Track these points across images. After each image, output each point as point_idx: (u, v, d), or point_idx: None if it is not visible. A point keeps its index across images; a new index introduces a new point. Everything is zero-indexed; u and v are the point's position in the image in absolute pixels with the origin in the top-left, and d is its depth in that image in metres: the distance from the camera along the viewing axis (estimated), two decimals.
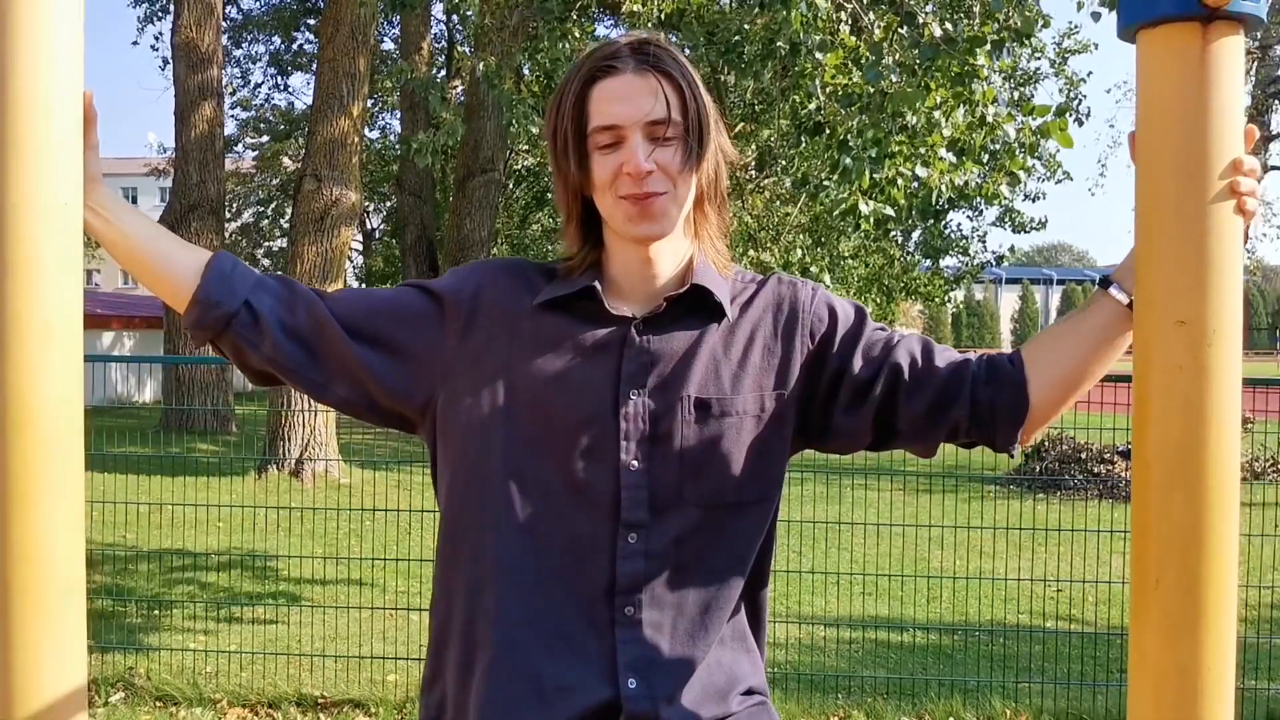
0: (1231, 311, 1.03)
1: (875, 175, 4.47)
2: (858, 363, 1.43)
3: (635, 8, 6.92)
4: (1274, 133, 21.04)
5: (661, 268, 1.42)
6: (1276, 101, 20.46)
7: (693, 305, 1.41)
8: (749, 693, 1.47)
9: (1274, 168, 21.72)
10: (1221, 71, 1.03)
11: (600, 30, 16.31)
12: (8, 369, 1.15)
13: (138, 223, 1.41)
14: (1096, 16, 6.62)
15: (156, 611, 5.73)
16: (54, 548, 1.19)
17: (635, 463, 1.37)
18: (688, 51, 7.18)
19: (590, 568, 1.37)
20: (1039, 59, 14.90)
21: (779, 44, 4.74)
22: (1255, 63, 20.17)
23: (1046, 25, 6.09)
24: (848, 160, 4.56)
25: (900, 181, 4.54)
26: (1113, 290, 1.32)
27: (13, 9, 1.14)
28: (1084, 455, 10.88)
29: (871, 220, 4.57)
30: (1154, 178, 1.06)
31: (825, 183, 5.52)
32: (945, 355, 1.43)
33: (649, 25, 7.05)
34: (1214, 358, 1.02)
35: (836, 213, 4.48)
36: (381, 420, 1.48)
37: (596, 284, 1.41)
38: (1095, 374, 1.37)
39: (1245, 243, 1.06)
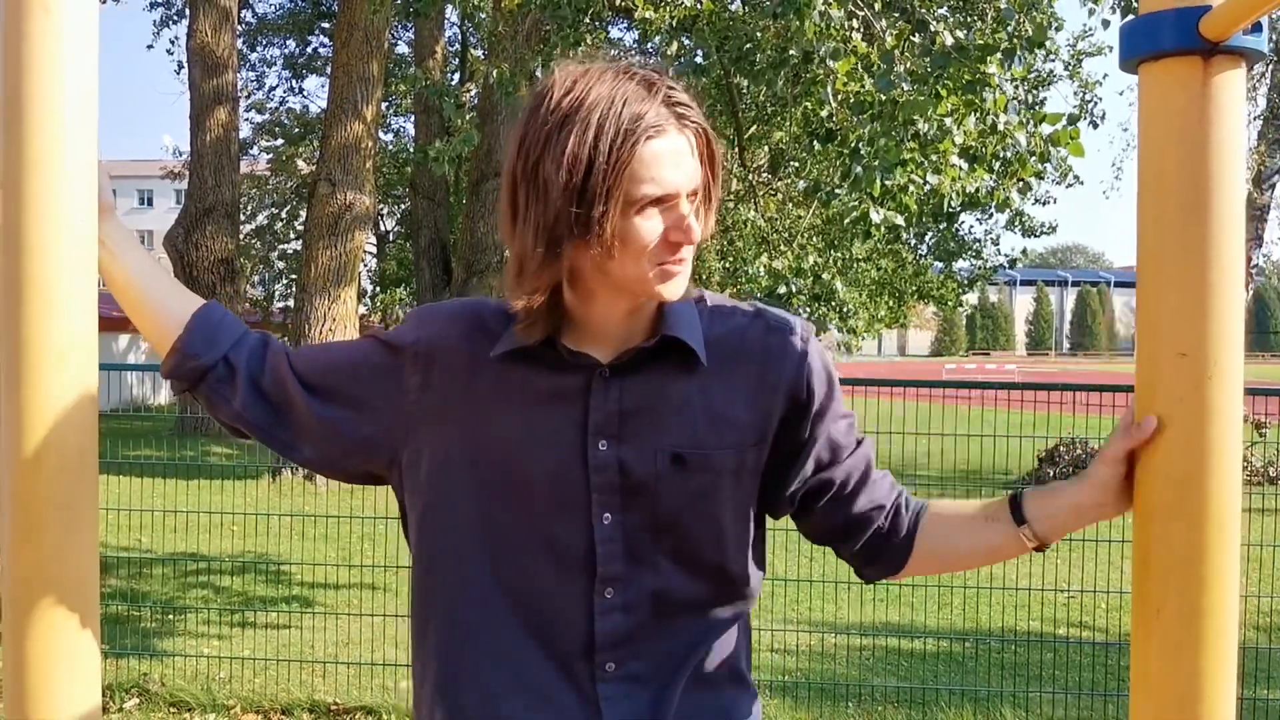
0: (1233, 344, 1.03)
1: (886, 183, 4.46)
2: (816, 451, 1.39)
3: (648, 14, 6.94)
4: None
5: (644, 312, 1.35)
6: None
7: (664, 353, 1.34)
8: None
9: None
10: (1223, 105, 1.03)
11: (614, 34, 16.35)
12: (25, 394, 1.17)
13: (141, 262, 1.42)
14: (1107, 24, 6.59)
15: (171, 616, 5.77)
16: (70, 569, 1.21)
17: (608, 515, 1.32)
18: (699, 57, 7.20)
19: (567, 624, 1.33)
20: (1053, 60, 14.87)
21: (791, 52, 4.75)
22: (1270, 65, 20.07)
23: (1060, 28, 6.09)
24: (858, 168, 4.56)
25: (912, 188, 4.53)
26: (1023, 529, 1.35)
27: (28, 40, 1.16)
28: None
29: (882, 228, 4.57)
30: (1156, 210, 1.06)
31: (837, 190, 5.52)
32: (872, 492, 1.42)
33: (662, 31, 7.06)
34: (1215, 390, 1.02)
35: (847, 220, 4.47)
36: (352, 479, 1.46)
37: (554, 334, 1.33)
38: (966, 568, 1.52)
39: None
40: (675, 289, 1.29)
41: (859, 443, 1.44)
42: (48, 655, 1.20)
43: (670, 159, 1.25)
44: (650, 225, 1.26)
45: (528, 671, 1.34)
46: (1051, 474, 10.85)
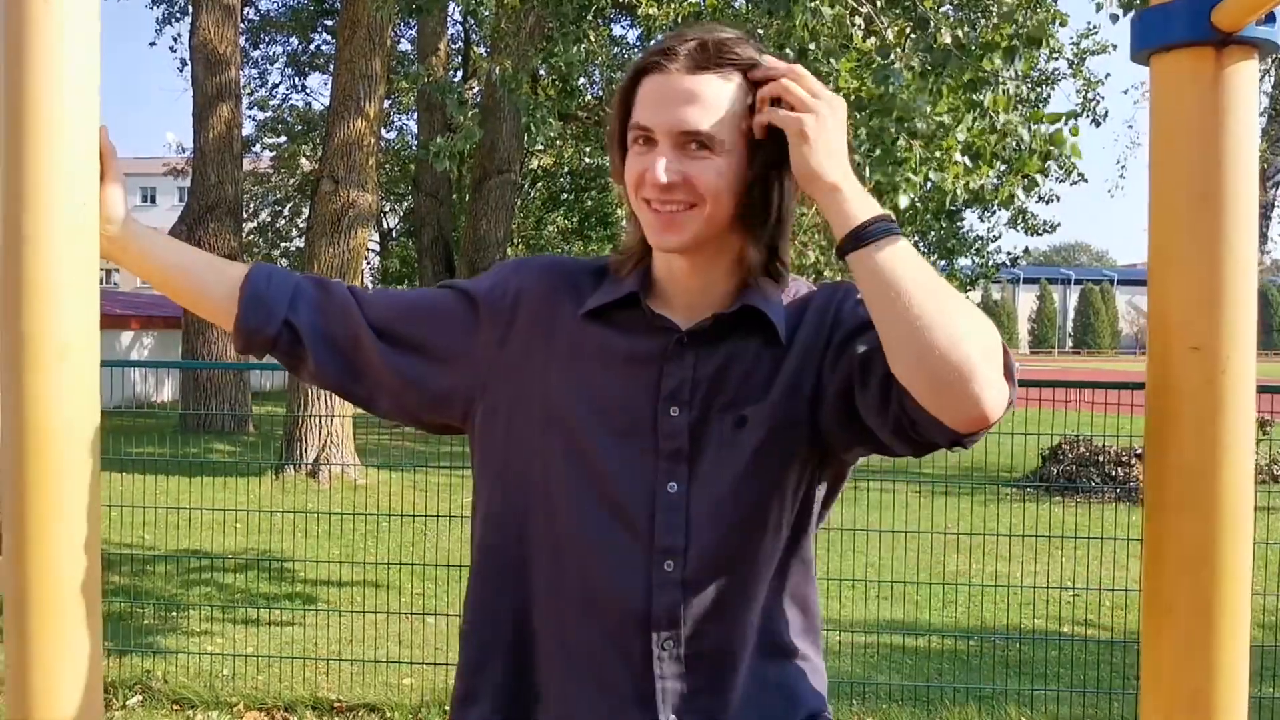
0: (1246, 337, 1.02)
1: (880, 179, 4.45)
2: (857, 359, 1.28)
3: (651, 10, 6.94)
4: None
5: (704, 280, 1.33)
6: None
7: (742, 325, 1.33)
8: (812, 717, 1.40)
9: None
10: (1235, 96, 1.02)
11: (617, 31, 16.34)
12: (26, 390, 1.16)
13: (168, 254, 1.40)
14: (1115, 18, 6.58)
15: (174, 613, 5.76)
16: (71, 566, 1.21)
17: (673, 485, 1.30)
18: None
19: (625, 595, 1.30)
20: (1057, 59, 14.84)
21: (787, 50, 4.73)
22: (1275, 63, 20.03)
23: (1064, 24, 6.06)
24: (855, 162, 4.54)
25: (906, 187, 4.51)
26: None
27: (29, 35, 1.15)
28: (1102, 458, 10.83)
29: None
30: (1167, 202, 1.05)
31: None
32: None
33: (664, 28, 7.05)
34: (1227, 384, 1.01)
35: None
36: (431, 429, 1.45)
37: (639, 291, 1.34)
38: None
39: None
40: (664, 238, 1.28)
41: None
42: (49, 653, 1.20)
43: (655, 95, 1.26)
44: (634, 161, 1.28)
45: (587, 642, 1.33)
46: (1055, 471, 10.84)
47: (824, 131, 1.19)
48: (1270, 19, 1.00)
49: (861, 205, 1.16)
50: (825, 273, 6.89)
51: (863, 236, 1.14)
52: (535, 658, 1.36)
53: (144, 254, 1.37)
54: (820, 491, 1.40)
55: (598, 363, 1.34)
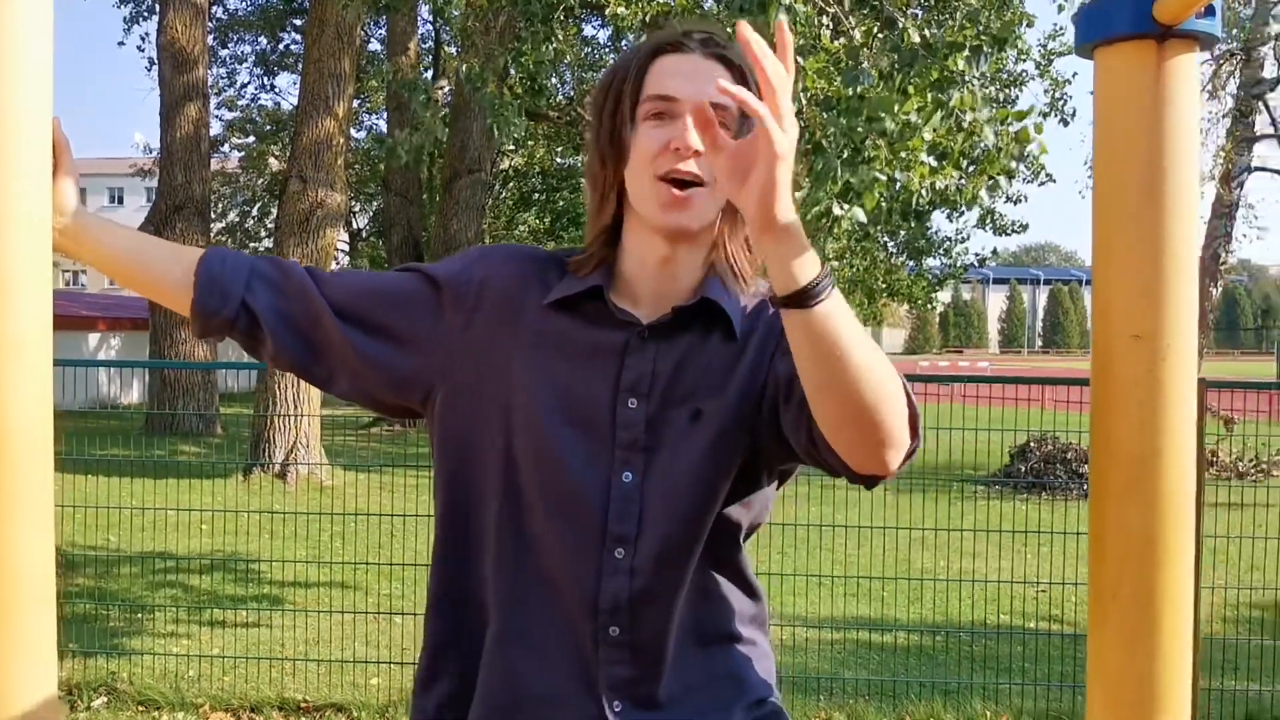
0: (1187, 326, 1.04)
1: (850, 180, 4.47)
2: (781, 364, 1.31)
3: (620, 10, 6.94)
4: (1258, 134, 21.14)
5: (678, 269, 1.35)
6: (1259, 103, 20.54)
7: (701, 318, 1.36)
8: (760, 703, 1.41)
9: (1258, 169, 21.83)
10: (1177, 88, 1.04)
11: (587, 31, 16.32)
12: None
13: (121, 240, 1.39)
14: (1061, 8, 6.64)
15: (139, 615, 5.72)
16: (23, 565, 1.19)
17: (628, 474, 1.32)
18: None
19: (576, 580, 1.32)
20: (1025, 60, 14.97)
21: None
22: (1239, 64, 20.26)
23: (1030, 25, 6.11)
24: (819, 164, 4.56)
25: (876, 186, 4.54)
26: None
27: None
28: (1068, 455, 10.93)
29: (843, 225, 4.58)
30: (1111, 193, 1.07)
31: (802, 184, 5.53)
32: None
33: (633, 28, 7.06)
34: (1169, 371, 1.03)
35: (809, 216, 4.48)
36: (388, 411, 1.46)
37: (602, 284, 1.35)
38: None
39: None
40: (677, 216, 1.30)
41: None
42: (2, 647, 1.18)
43: (681, 70, 1.30)
44: (654, 133, 1.29)
45: (537, 623, 1.34)
46: (1022, 469, 10.93)
47: (787, 170, 1.06)
48: (1210, 12, 1.02)
49: (810, 256, 1.08)
50: None
51: (812, 294, 1.08)
52: (489, 639, 1.37)
53: (97, 242, 1.36)
54: (771, 488, 1.43)
55: (559, 353, 1.36)
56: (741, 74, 1.29)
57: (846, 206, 4.49)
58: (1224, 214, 19.61)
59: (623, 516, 1.32)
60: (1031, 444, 11.09)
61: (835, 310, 1.09)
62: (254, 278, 1.39)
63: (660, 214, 1.30)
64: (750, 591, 1.44)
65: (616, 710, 1.33)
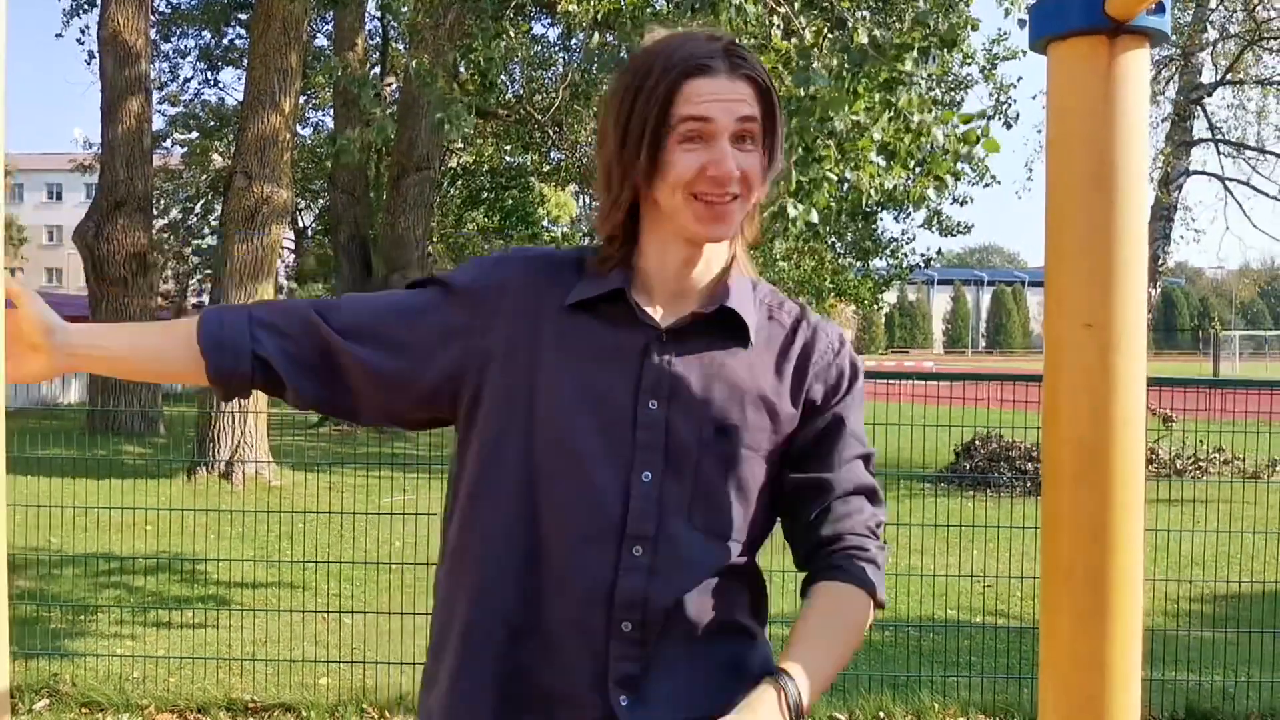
0: (1137, 315, 1.06)
1: (801, 179, 4.51)
2: (823, 449, 1.44)
3: (570, 7, 6.93)
4: (1196, 138, 21.58)
5: (700, 272, 1.41)
6: (1198, 108, 20.97)
7: (719, 324, 1.41)
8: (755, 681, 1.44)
9: (1195, 173, 22.27)
10: (1128, 83, 1.06)
11: (537, 29, 16.27)
12: None
13: (115, 341, 1.42)
14: (1023, 23, 6.74)
15: (83, 616, 5.63)
16: None
17: (648, 474, 1.36)
18: (624, 53, 7.20)
19: (592, 576, 1.34)
20: (970, 64, 15.17)
21: None
22: (1178, 69, 20.67)
23: (975, 29, 6.19)
24: None
25: (826, 186, 4.58)
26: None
27: None
28: (1013, 453, 11.08)
29: (798, 224, 4.62)
30: (1063, 186, 1.09)
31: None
32: (846, 519, 1.44)
33: (584, 25, 7.05)
34: (1120, 360, 1.05)
35: (764, 214, 4.52)
36: (416, 426, 1.48)
37: (623, 286, 1.39)
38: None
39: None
40: (714, 230, 1.35)
41: (863, 461, 1.47)
42: None
43: (714, 92, 1.33)
44: (690, 157, 1.33)
45: (548, 620, 1.36)
46: (968, 466, 11.07)
47: None
48: (1160, 8, 1.04)
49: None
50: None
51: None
52: (499, 635, 1.38)
53: (101, 350, 1.39)
54: (771, 507, 1.46)
55: (581, 354, 1.39)
56: (765, 90, 1.35)
57: (801, 206, 4.52)
58: (1163, 217, 20.00)
59: (642, 515, 1.35)
60: (976, 442, 11.24)
61: (813, 692, 1.31)
62: (255, 327, 1.40)
63: (697, 227, 1.35)
64: (757, 584, 1.48)
65: (623, 704, 1.34)
